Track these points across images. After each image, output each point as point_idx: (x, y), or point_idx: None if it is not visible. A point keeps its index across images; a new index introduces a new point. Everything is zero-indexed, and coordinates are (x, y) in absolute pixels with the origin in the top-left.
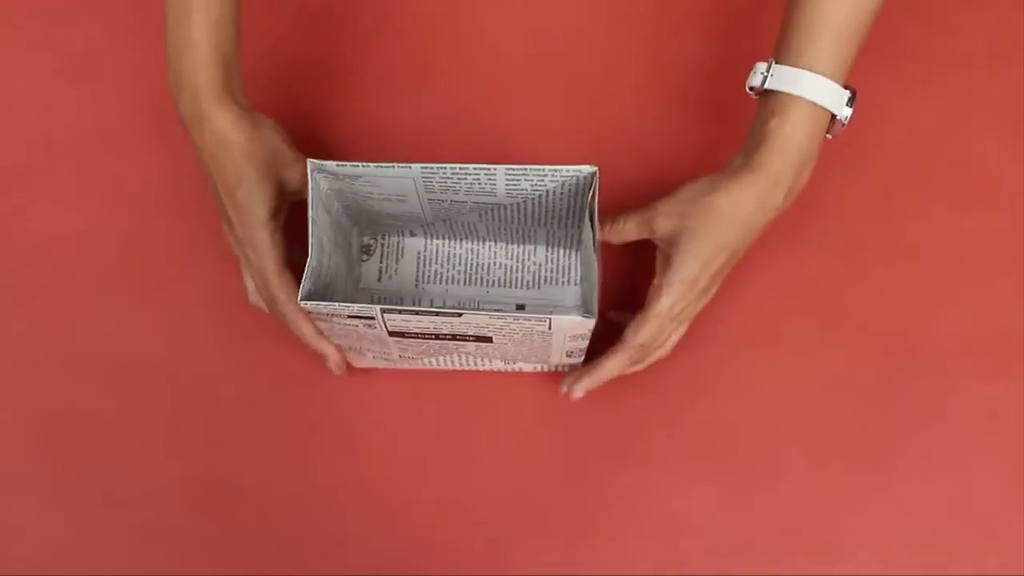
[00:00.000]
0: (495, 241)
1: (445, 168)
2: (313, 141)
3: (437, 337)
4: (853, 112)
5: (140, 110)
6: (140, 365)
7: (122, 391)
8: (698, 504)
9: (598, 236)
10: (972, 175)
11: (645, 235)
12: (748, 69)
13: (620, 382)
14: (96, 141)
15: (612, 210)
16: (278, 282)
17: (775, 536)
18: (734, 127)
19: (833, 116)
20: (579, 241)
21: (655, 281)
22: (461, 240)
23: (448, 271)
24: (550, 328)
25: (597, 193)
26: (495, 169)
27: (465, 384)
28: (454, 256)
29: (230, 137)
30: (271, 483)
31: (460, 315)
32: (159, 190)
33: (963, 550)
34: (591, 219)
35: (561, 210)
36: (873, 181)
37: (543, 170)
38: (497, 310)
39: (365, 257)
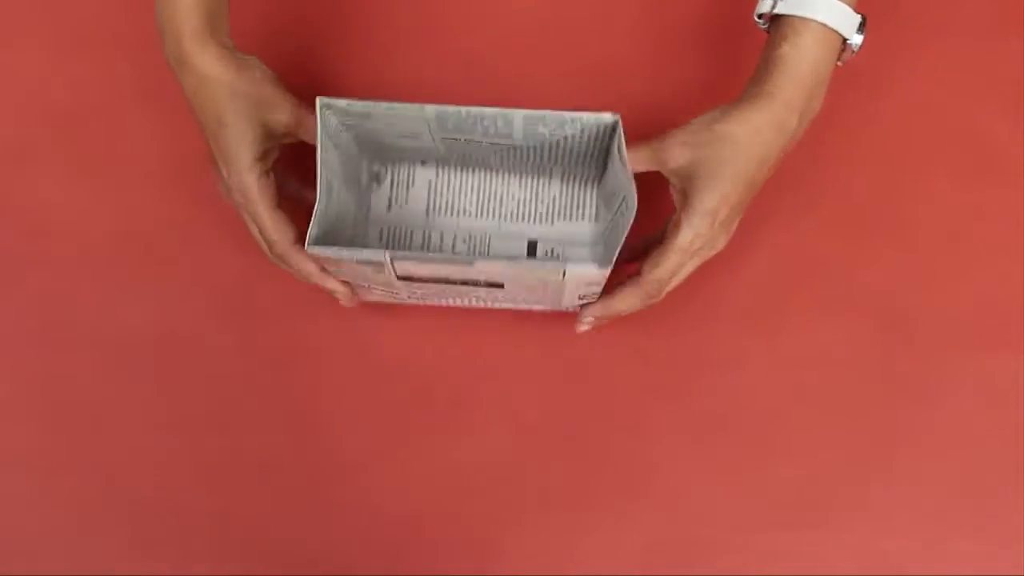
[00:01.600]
0: (509, 172)
1: (461, 111)
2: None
3: (448, 282)
4: (863, 42)
5: (138, 83)
6: (139, 338)
7: (121, 366)
8: (699, 477)
9: (631, 182)
10: (976, 149)
11: (655, 167)
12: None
13: (624, 352)
14: (93, 114)
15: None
16: (272, 225)
17: (775, 510)
18: (744, 63)
19: (845, 41)
20: (596, 179)
21: (674, 216)
22: (474, 170)
23: (460, 202)
24: (564, 277)
25: (624, 144)
26: (512, 114)
27: (473, 325)
28: (466, 186)
29: (213, 76)
30: (271, 454)
31: (472, 264)
32: (157, 163)
33: (965, 525)
34: (621, 162)
35: (579, 155)
36: (875, 154)
37: (563, 116)
38: (510, 257)
39: (375, 186)
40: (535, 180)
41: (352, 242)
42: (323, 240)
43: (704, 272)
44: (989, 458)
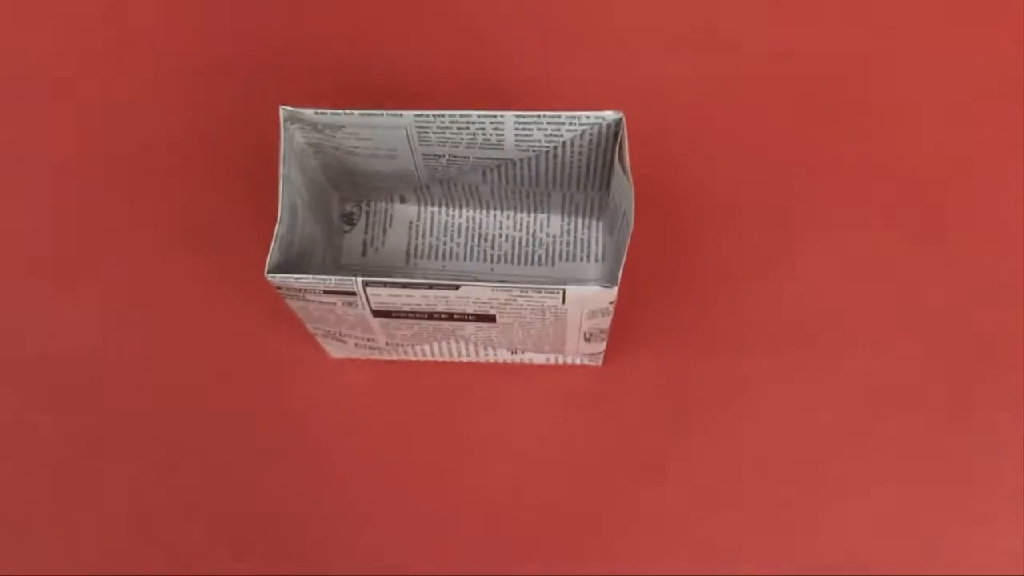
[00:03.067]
0: (501, 209)
1: (443, 116)
2: (286, 88)
3: (430, 317)
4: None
5: (61, 65)
6: (66, 359)
7: (46, 389)
8: (728, 528)
9: (631, 187)
10: None
11: None
12: None
13: (643, 383)
14: (13, 100)
15: (636, 160)
16: None
17: (823, 568)
18: (763, 65)
19: None
20: (601, 207)
21: None
22: (461, 207)
23: (445, 244)
24: (564, 302)
25: (626, 141)
26: (502, 116)
27: (463, 378)
28: (452, 226)
29: None
30: (221, 496)
31: (457, 287)
32: (88, 156)
33: None
34: (622, 165)
35: (580, 167)
36: (953, 144)
37: (559, 116)
38: (502, 281)
39: (347, 227)
40: (531, 217)
41: None
42: (286, 268)
43: (738, 295)
44: None
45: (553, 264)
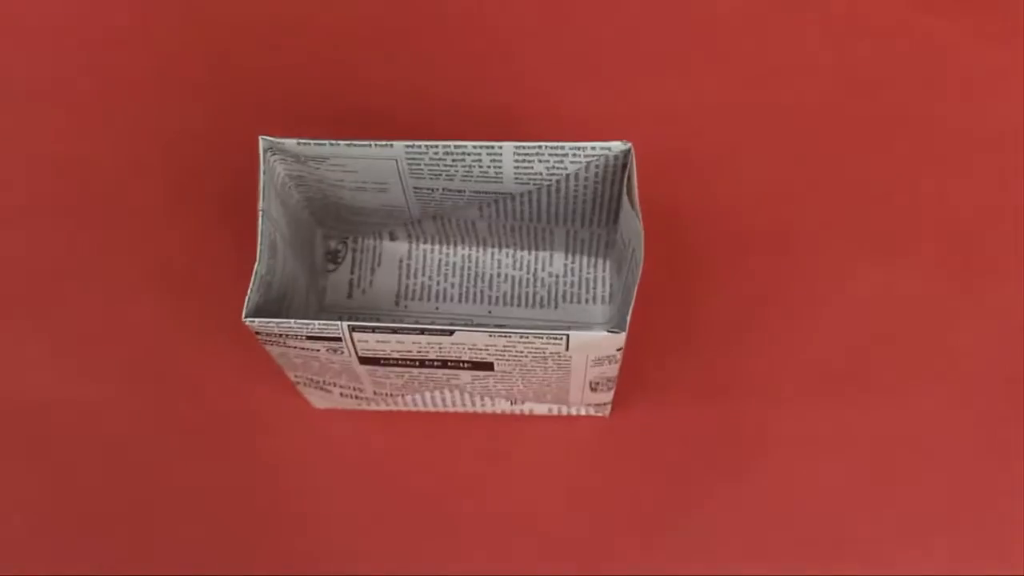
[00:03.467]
0: (499, 246)
1: (437, 146)
2: (268, 111)
3: (422, 365)
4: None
5: (32, 90)
6: (23, 407)
7: (2, 437)
8: None
9: (640, 222)
10: None
11: None
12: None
13: (653, 436)
14: None
15: (645, 193)
16: None
17: None
18: (777, 89)
19: None
20: (607, 245)
21: None
22: (456, 244)
23: (438, 284)
24: (568, 348)
25: (635, 173)
26: (500, 147)
27: (458, 430)
28: (446, 265)
29: None
30: (189, 559)
31: (452, 333)
32: (54, 185)
33: None
34: (630, 200)
35: (585, 201)
36: (985, 179)
37: (562, 147)
38: (499, 326)
39: (331, 267)
40: (532, 255)
41: None
42: (265, 311)
43: (755, 339)
44: None
45: (556, 306)
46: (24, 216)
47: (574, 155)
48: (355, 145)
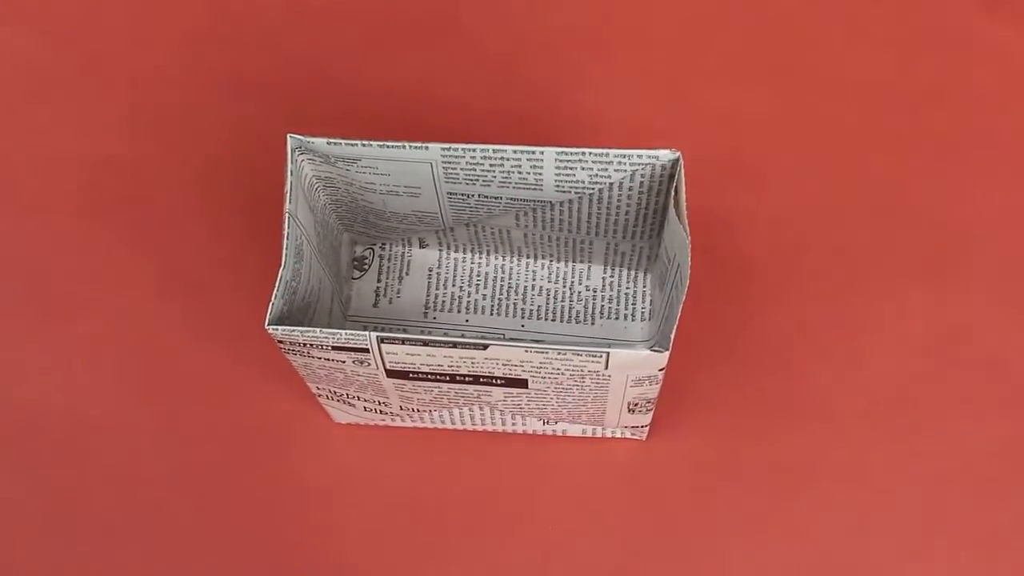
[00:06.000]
0: (535, 257)
1: (475, 150)
2: (296, 110)
3: (452, 380)
4: None
5: (48, 89)
6: (40, 414)
7: (16, 445)
8: None
9: (688, 237)
10: None
11: None
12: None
13: (692, 461)
14: None
15: (695, 206)
16: None
17: None
18: (834, 101)
19: None
20: (649, 259)
21: None
22: (488, 253)
23: (469, 295)
24: (607, 367)
25: (683, 184)
26: (542, 152)
27: (487, 450)
28: (478, 275)
29: None
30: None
31: (485, 347)
32: (67, 186)
33: None
34: (677, 212)
35: (628, 212)
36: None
37: (606, 154)
38: (536, 341)
39: (357, 274)
40: (569, 267)
41: None
42: (288, 321)
43: (803, 364)
44: None
45: (592, 322)
46: (41, 216)
47: (619, 163)
48: (388, 146)
